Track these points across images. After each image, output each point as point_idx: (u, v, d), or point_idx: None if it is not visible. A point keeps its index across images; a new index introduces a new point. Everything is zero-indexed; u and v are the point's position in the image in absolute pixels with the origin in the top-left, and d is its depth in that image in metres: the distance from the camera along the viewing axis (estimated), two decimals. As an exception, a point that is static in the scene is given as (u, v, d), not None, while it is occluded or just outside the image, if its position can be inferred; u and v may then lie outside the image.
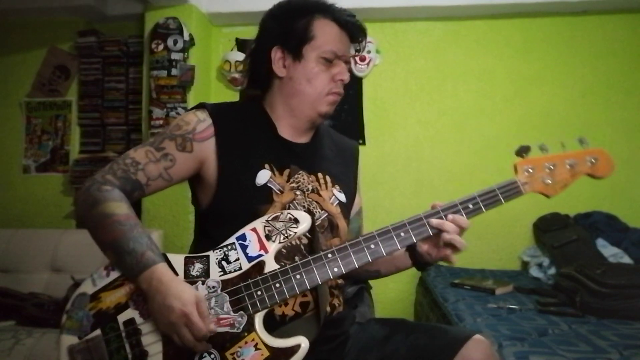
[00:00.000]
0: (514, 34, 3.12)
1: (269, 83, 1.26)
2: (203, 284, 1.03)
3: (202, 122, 1.17)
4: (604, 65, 3.04)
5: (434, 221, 1.09)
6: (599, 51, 3.05)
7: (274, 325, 1.05)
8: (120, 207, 1.04)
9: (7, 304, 2.44)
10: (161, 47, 2.93)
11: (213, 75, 3.30)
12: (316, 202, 1.21)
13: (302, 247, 1.14)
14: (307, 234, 1.14)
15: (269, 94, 1.26)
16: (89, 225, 1.06)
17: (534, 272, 2.75)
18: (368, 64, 3.12)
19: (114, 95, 3.30)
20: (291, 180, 1.19)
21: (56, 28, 3.35)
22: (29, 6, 3.20)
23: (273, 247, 1.06)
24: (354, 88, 3.14)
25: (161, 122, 2.91)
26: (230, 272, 1.04)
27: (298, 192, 1.19)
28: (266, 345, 0.99)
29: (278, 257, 1.07)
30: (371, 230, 1.11)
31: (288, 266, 1.05)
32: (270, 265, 1.05)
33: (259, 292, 1.02)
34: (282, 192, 1.16)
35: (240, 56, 3.14)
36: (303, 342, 1.00)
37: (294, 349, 0.99)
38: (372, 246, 1.08)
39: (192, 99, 2.97)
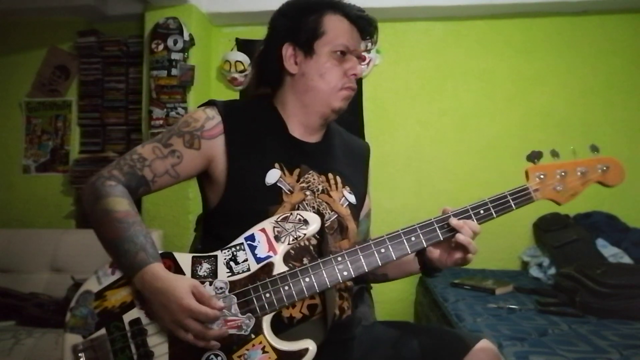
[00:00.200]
0: (515, 34, 3.13)
1: (280, 81, 1.24)
2: (210, 284, 1.01)
3: (211, 119, 1.16)
4: (604, 65, 3.05)
5: (454, 221, 1.08)
6: (600, 51, 3.06)
7: (281, 327, 1.05)
8: (120, 203, 1.03)
9: (8, 304, 2.44)
10: (161, 47, 2.93)
11: (213, 75, 3.30)
12: (326, 203, 1.20)
13: (311, 248, 1.13)
14: (316, 235, 1.12)
15: (280, 92, 1.25)
16: (92, 221, 1.05)
17: (534, 272, 2.75)
18: (368, 64, 3.12)
19: (114, 95, 3.30)
20: (301, 180, 1.18)
21: (56, 28, 3.35)
22: (29, 6, 3.19)
23: (282, 248, 1.05)
24: (353, 88, 3.13)
25: (161, 122, 2.91)
26: (238, 273, 1.03)
27: (308, 193, 1.18)
28: (274, 349, 0.98)
29: (286, 259, 1.06)
30: (375, 231, 1.10)
31: (297, 269, 1.04)
32: (279, 267, 1.03)
33: (267, 295, 1.01)
34: (291, 192, 1.15)
35: (241, 56, 3.14)
36: (311, 345, 0.99)
37: (302, 352, 0.98)
38: (383, 250, 1.06)
39: (192, 99, 2.97)
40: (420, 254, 1.19)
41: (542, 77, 3.09)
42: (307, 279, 1.03)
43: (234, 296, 1.01)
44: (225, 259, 1.04)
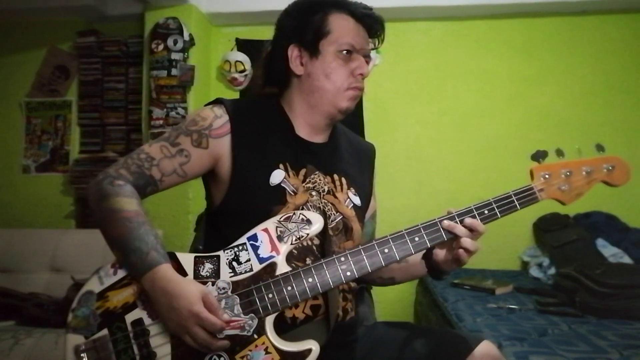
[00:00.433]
0: (515, 34, 3.13)
1: (286, 81, 1.24)
2: (213, 284, 1.01)
3: (219, 118, 1.15)
4: (604, 65, 3.05)
5: (446, 222, 1.08)
6: (599, 51, 3.06)
7: (284, 328, 1.04)
8: (130, 203, 1.03)
9: (7, 304, 2.44)
10: (161, 47, 2.93)
11: (213, 75, 3.30)
12: (331, 204, 1.19)
13: (314, 248, 1.12)
14: (319, 235, 1.11)
15: (287, 93, 1.25)
16: (98, 219, 1.04)
17: (534, 272, 2.75)
18: (368, 64, 3.11)
19: (114, 95, 3.29)
20: (307, 180, 1.17)
21: (56, 28, 3.35)
22: (29, 6, 3.19)
23: (284, 248, 1.04)
24: (353, 88, 3.14)
25: (161, 122, 2.91)
26: (241, 273, 1.02)
27: (314, 193, 1.17)
28: (276, 349, 0.98)
29: (289, 259, 1.06)
30: (376, 231, 1.10)
31: (300, 269, 1.03)
32: (282, 267, 1.03)
33: (270, 295, 1.00)
34: (295, 194, 1.14)
35: (241, 56, 3.14)
36: (314, 346, 0.99)
37: (305, 353, 0.98)
38: (386, 250, 1.06)
39: (192, 99, 2.96)
40: (427, 257, 1.18)
41: (542, 77, 3.09)
42: (310, 280, 1.02)
43: (236, 296, 1.00)
44: (227, 259, 1.04)
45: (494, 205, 1.10)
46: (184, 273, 1.02)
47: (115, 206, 1.02)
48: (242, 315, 0.99)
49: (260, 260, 1.03)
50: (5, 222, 3.20)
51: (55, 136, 3.33)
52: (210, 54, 3.27)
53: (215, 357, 0.98)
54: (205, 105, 1.21)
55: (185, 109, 2.91)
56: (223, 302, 1.00)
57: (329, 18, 1.18)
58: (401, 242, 1.07)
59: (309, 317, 1.09)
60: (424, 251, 1.14)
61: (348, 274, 1.04)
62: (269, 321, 1.01)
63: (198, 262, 1.03)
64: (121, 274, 1.02)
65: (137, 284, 1.01)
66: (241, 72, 3.13)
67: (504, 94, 3.11)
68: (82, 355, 0.98)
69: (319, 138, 1.25)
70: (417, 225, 1.09)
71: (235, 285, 1.01)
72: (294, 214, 1.07)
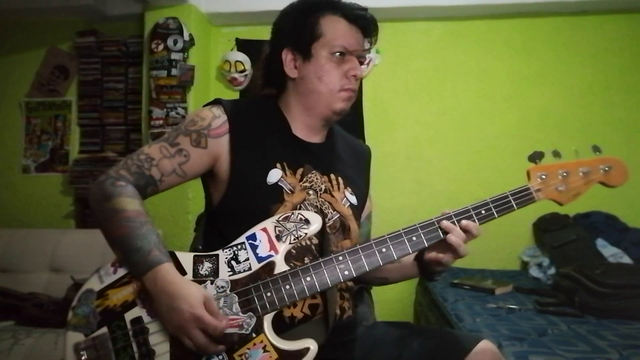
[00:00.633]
0: (514, 34, 3.13)
1: (283, 84, 1.26)
2: (212, 283, 1.02)
3: (218, 118, 1.17)
4: (603, 65, 3.05)
5: (445, 223, 1.09)
6: (599, 51, 3.06)
7: (282, 327, 1.04)
8: (131, 203, 1.04)
9: (7, 304, 2.43)
10: (161, 47, 2.93)
11: (212, 75, 3.30)
12: (328, 202, 1.21)
13: (313, 247, 1.13)
14: (317, 235, 1.12)
15: (284, 94, 1.26)
16: (99, 219, 1.05)
17: (534, 272, 2.75)
18: (368, 64, 3.12)
19: (113, 95, 3.30)
20: (304, 179, 1.19)
21: (55, 28, 3.35)
22: (28, 6, 3.19)
23: (283, 247, 1.05)
24: (353, 88, 3.14)
25: (161, 122, 2.91)
26: (239, 272, 1.03)
27: (311, 192, 1.18)
28: (275, 348, 0.98)
29: (288, 258, 1.06)
30: (375, 231, 1.10)
31: (298, 268, 1.04)
32: (280, 266, 1.04)
33: (268, 294, 1.01)
34: (292, 192, 1.16)
35: (241, 56, 3.14)
36: (312, 345, 0.99)
37: (303, 352, 0.98)
38: (384, 250, 1.07)
39: (192, 99, 2.96)
40: (419, 258, 1.20)
41: (541, 77, 3.09)
42: (308, 278, 1.03)
43: (235, 295, 1.01)
44: (226, 258, 1.04)
45: (491, 205, 1.11)
46: (183, 272, 1.02)
47: (117, 206, 1.02)
48: (240, 313, 1.00)
49: (259, 259, 1.04)
50: (5, 222, 3.20)
51: (55, 136, 3.33)
52: (209, 54, 3.27)
53: (213, 355, 0.97)
54: (204, 106, 1.22)
55: (185, 109, 2.92)
56: (222, 300, 1.00)
57: (321, 21, 1.19)
58: (399, 242, 1.08)
59: (307, 316, 1.09)
60: (417, 252, 1.16)
61: (346, 273, 1.05)
62: (268, 320, 1.01)
63: (197, 261, 1.04)
64: (121, 272, 1.03)
65: (136, 283, 1.01)
66: (241, 72, 3.13)
67: (504, 94, 3.12)
68: (81, 353, 0.98)
69: (316, 138, 1.26)
70: (415, 225, 1.10)
71: (234, 284, 1.02)
72: (293, 213, 1.08)
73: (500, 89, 3.12)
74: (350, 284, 1.23)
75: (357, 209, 1.28)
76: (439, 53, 3.18)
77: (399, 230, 1.09)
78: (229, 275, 1.03)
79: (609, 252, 2.61)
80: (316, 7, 1.20)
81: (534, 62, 3.10)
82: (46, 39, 3.36)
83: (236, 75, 3.14)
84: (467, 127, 3.13)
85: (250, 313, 1.00)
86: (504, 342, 1.60)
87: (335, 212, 1.20)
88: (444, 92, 3.17)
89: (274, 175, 1.15)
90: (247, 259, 1.04)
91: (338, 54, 1.18)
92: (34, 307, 2.40)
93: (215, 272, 1.03)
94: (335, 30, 1.18)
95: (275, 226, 1.07)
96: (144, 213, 1.04)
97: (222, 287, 1.02)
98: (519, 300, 2.20)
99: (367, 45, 1.24)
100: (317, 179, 1.21)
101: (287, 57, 1.21)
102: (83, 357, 0.98)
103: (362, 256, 1.06)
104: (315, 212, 1.13)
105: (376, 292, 2.43)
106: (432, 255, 1.15)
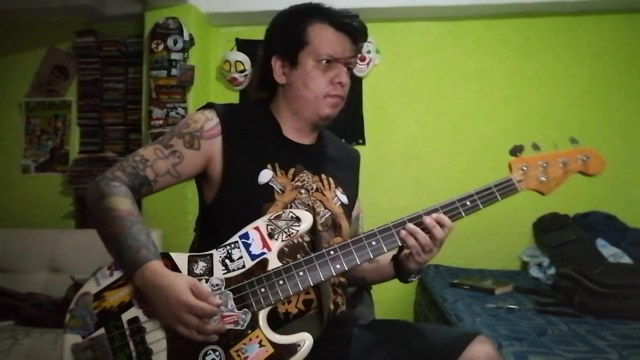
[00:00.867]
0: (513, 34, 3.13)
1: (274, 89, 1.30)
2: (207, 282, 1.04)
3: (210, 120, 1.20)
4: (602, 66, 3.05)
5: (410, 226, 1.10)
6: (598, 51, 3.06)
7: (278, 323, 1.07)
8: (123, 202, 1.07)
9: (6, 304, 2.43)
10: (161, 47, 2.93)
11: (212, 75, 3.30)
12: (320, 201, 1.24)
13: (305, 245, 1.16)
14: (309, 233, 1.15)
15: (275, 98, 1.30)
16: (95, 218, 1.09)
17: (534, 272, 2.75)
18: (368, 64, 3.13)
19: (113, 95, 3.29)
20: (296, 179, 1.22)
21: (55, 28, 3.35)
22: (28, 6, 3.19)
23: (276, 245, 1.07)
24: (353, 88, 3.12)
25: (161, 122, 2.91)
26: (233, 270, 1.05)
27: (302, 191, 1.22)
28: (270, 342, 1.00)
29: (281, 256, 1.09)
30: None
31: (291, 263, 1.07)
32: (274, 263, 1.06)
33: (262, 290, 1.03)
34: (283, 192, 1.19)
35: (241, 56, 3.14)
36: (307, 338, 1.01)
37: (298, 345, 1.00)
38: (374, 243, 1.10)
39: (192, 99, 2.97)
40: (396, 259, 1.24)
41: (540, 77, 3.09)
42: (301, 273, 1.06)
43: (230, 292, 1.03)
44: (220, 256, 1.07)
45: (476, 197, 1.15)
46: (178, 272, 1.04)
47: (110, 205, 1.06)
48: (235, 310, 1.02)
49: (252, 257, 1.07)
50: (5, 222, 3.20)
51: (55, 136, 3.33)
52: (209, 54, 3.27)
53: (210, 351, 1.00)
54: (197, 109, 1.25)
55: (185, 109, 2.92)
56: (217, 298, 1.01)
57: (308, 28, 1.21)
58: (388, 235, 1.11)
59: (301, 311, 1.12)
60: (394, 252, 1.22)
61: (338, 266, 1.07)
62: (263, 315, 1.03)
63: (192, 261, 1.07)
64: (117, 275, 1.06)
65: (132, 284, 1.04)
66: (241, 72, 3.13)
67: (502, 93, 3.12)
68: (79, 354, 1.00)
69: (307, 140, 1.30)
70: (403, 218, 1.13)
71: (229, 282, 1.05)
72: (284, 212, 1.11)
73: (499, 89, 3.12)
74: (343, 280, 1.27)
75: (348, 208, 1.31)
76: (438, 53, 3.18)
77: (388, 224, 1.12)
78: (224, 274, 1.05)
79: (609, 252, 2.61)
80: (304, 15, 1.23)
81: (533, 62, 3.10)
82: (45, 39, 3.35)
83: (236, 75, 3.14)
84: (466, 127, 3.13)
85: (246, 309, 1.02)
86: (504, 342, 1.60)
87: (326, 210, 1.24)
88: (443, 92, 3.17)
89: (265, 175, 1.19)
90: (241, 257, 1.07)
91: (324, 61, 1.21)
92: (33, 307, 2.40)
93: (209, 271, 1.06)
94: (322, 38, 1.21)
95: (267, 224, 1.09)
96: (135, 213, 1.08)
97: (217, 285, 1.04)
98: (518, 300, 2.20)
99: (355, 52, 1.25)
100: (308, 178, 1.24)
101: (276, 64, 1.25)
102: (81, 358, 1.00)
103: (353, 250, 1.09)
104: (306, 210, 1.16)
105: (376, 292, 2.42)
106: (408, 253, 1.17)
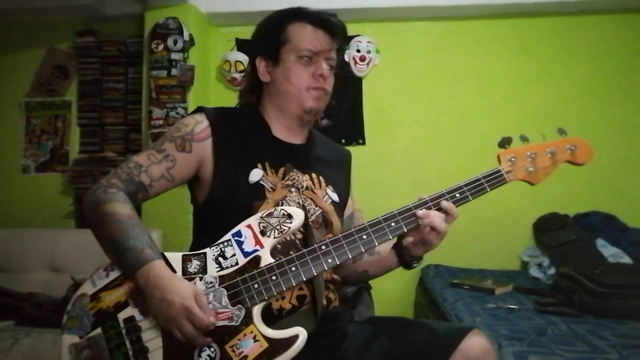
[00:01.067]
0: (512, 34, 3.13)
1: (260, 90, 1.34)
2: (201, 280, 1.05)
3: (200, 123, 1.24)
4: (602, 65, 3.05)
5: (420, 212, 1.14)
6: (597, 51, 3.06)
7: (272, 319, 1.08)
8: (123, 207, 1.09)
9: (6, 303, 2.44)
10: (161, 47, 2.93)
11: (212, 75, 3.30)
12: (310, 199, 1.26)
13: (297, 242, 1.18)
14: (301, 230, 1.17)
15: (262, 99, 1.35)
16: (93, 223, 1.11)
17: (534, 272, 2.75)
18: (368, 64, 3.13)
19: (113, 95, 3.30)
20: (286, 178, 1.25)
21: (55, 28, 3.35)
22: (28, 6, 3.20)
23: (268, 242, 1.09)
24: (353, 88, 3.15)
25: (161, 122, 2.91)
26: (227, 267, 1.07)
27: (293, 190, 1.24)
28: (264, 337, 1.01)
29: (274, 253, 1.10)
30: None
31: (283, 259, 1.08)
32: (266, 260, 1.07)
33: (255, 285, 1.04)
34: (274, 190, 1.21)
35: (241, 56, 3.14)
36: (301, 333, 1.01)
37: (292, 339, 1.00)
38: (365, 237, 1.12)
39: (192, 99, 2.97)
40: (397, 246, 1.26)
41: (539, 77, 3.09)
42: (293, 268, 1.07)
43: (223, 289, 1.04)
44: (214, 255, 1.08)
45: (465, 189, 1.18)
46: (173, 271, 1.06)
47: (110, 210, 1.08)
48: (229, 306, 1.03)
49: (245, 254, 1.08)
50: (5, 222, 3.20)
51: (55, 136, 3.33)
52: (209, 53, 3.27)
53: (205, 347, 1.00)
54: (188, 114, 1.30)
55: (185, 109, 2.92)
56: (211, 295, 1.04)
57: (288, 28, 1.27)
58: (378, 228, 1.13)
59: (295, 307, 1.14)
60: (395, 241, 1.24)
61: (330, 261, 1.09)
62: (256, 311, 1.04)
63: (186, 260, 1.08)
64: (113, 275, 1.07)
65: (128, 284, 1.06)
66: (241, 72, 3.13)
67: (502, 93, 3.12)
68: (77, 353, 1.02)
69: (297, 139, 1.33)
70: (393, 212, 1.15)
71: (222, 280, 1.06)
72: (275, 209, 1.12)
73: (498, 89, 3.12)
74: (335, 276, 1.29)
75: (339, 206, 1.34)
76: (437, 53, 3.18)
77: (379, 218, 1.14)
78: (217, 271, 1.07)
79: (609, 252, 2.61)
80: (285, 17, 1.29)
81: (533, 62, 3.10)
82: (45, 38, 3.36)
83: (236, 75, 3.14)
84: (466, 127, 3.12)
85: (239, 305, 1.03)
86: (504, 342, 1.60)
87: (317, 207, 1.26)
88: (443, 91, 3.17)
89: (255, 174, 1.21)
90: (234, 255, 1.08)
91: (306, 57, 1.26)
92: (33, 307, 2.40)
93: (203, 269, 1.07)
94: (301, 35, 1.26)
95: (259, 222, 1.11)
96: (135, 217, 1.10)
97: (211, 282, 1.05)
98: (518, 300, 2.20)
99: (333, 46, 1.29)
100: (298, 177, 1.27)
101: (260, 64, 1.30)
102: (79, 358, 1.02)
103: (344, 244, 1.11)
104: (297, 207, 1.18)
105: (376, 292, 2.43)
106: (412, 238, 1.20)
